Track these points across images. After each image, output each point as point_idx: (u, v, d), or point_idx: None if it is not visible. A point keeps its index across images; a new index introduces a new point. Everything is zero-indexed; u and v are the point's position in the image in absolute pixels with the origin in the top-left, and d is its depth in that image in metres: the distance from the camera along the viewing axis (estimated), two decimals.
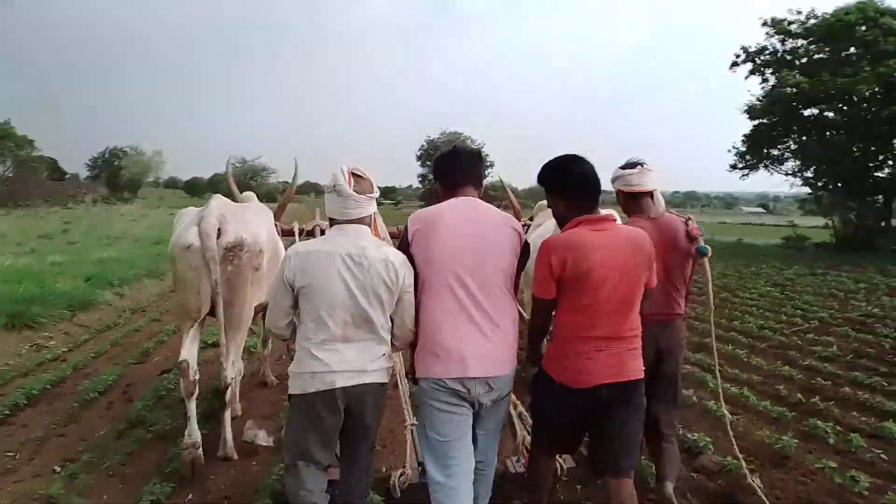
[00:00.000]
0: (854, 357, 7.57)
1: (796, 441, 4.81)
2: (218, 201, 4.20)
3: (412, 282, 2.84)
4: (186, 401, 4.06)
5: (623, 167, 3.52)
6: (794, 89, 21.53)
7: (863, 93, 20.10)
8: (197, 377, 4.10)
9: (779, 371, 6.91)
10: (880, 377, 6.56)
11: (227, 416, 4.41)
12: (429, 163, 68.01)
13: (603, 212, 2.90)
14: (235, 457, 4.42)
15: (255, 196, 5.16)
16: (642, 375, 2.86)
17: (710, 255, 3.51)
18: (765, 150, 25.69)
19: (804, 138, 23.65)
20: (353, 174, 2.82)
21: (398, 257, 2.82)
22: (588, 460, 3.31)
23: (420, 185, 73.60)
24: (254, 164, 70.79)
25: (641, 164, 3.49)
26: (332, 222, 2.90)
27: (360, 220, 2.85)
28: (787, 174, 26.33)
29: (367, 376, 2.79)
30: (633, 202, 3.52)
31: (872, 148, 22.29)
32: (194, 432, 4.06)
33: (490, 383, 2.79)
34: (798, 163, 25.46)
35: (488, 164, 69.24)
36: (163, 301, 11.28)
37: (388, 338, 2.87)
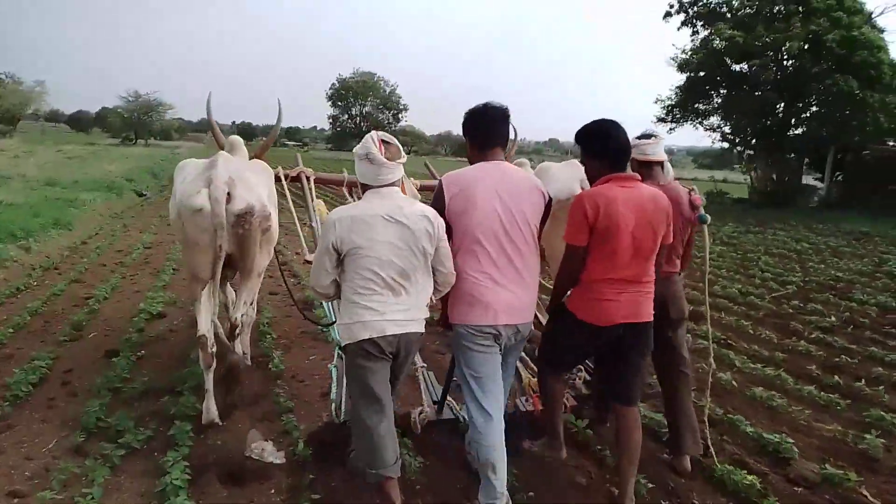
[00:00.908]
0: (855, 329, 7.27)
1: (882, 440, 4.26)
2: (224, 160, 4.08)
3: (444, 231, 3.02)
4: (205, 373, 4.09)
5: (639, 137, 3.72)
6: (727, 42, 21.41)
7: (793, 49, 20.19)
8: (215, 349, 4.13)
9: (793, 346, 6.48)
10: None
11: (236, 341, 4.52)
12: (340, 103, 66.14)
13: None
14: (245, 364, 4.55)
15: (241, 141, 4.79)
16: (652, 318, 3.22)
17: (709, 223, 3.80)
18: (691, 105, 25.74)
19: (732, 93, 23.70)
20: (383, 141, 2.98)
21: (431, 211, 3.00)
22: (601, 391, 3.98)
23: (330, 127, 71.07)
24: (149, 99, 65.53)
25: (655, 136, 3.76)
26: (365, 187, 3.03)
27: (391, 184, 2.98)
28: (710, 129, 26.73)
29: (413, 325, 2.99)
30: (645, 170, 3.66)
31: (800, 104, 22.66)
32: (212, 409, 4.06)
33: (519, 328, 3.18)
34: (721, 118, 25.79)
35: (402, 107, 67.99)
36: (78, 257, 9.72)
37: (431, 287, 3.06)
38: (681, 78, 25.91)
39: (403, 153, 3.02)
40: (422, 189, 4.90)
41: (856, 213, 19.92)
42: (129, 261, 9.37)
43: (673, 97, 26.60)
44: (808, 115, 22.43)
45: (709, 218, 3.78)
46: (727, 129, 26.34)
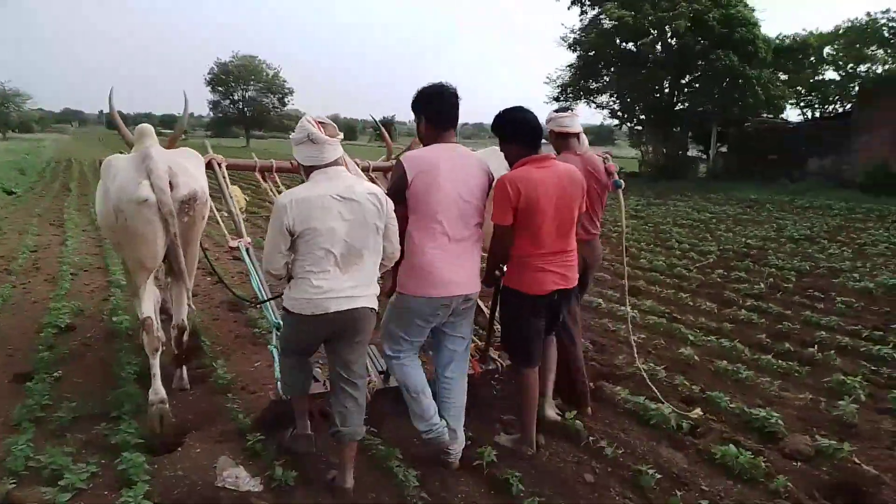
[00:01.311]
0: (783, 294, 7.52)
1: (854, 406, 4.33)
2: (157, 151, 4.04)
3: (392, 209, 3.12)
4: (151, 357, 4.02)
5: (556, 111, 4.13)
6: (617, 22, 21.97)
7: (681, 27, 20.97)
8: (160, 333, 4.20)
9: (734, 316, 6.61)
10: (842, 318, 6.54)
11: (182, 356, 4.55)
12: (220, 88, 62.74)
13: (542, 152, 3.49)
14: (189, 387, 4.57)
15: (151, 129, 4.42)
16: (577, 283, 3.64)
17: (623, 187, 4.10)
18: (583, 83, 26.32)
19: (622, 71, 24.38)
20: (318, 122, 3.05)
21: (378, 189, 3.11)
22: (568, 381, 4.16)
23: (210, 113, 67.27)
24: (3, 88, 59.53)
25: (571, 109, 4.22)
26: (309, 170, 3.07)
27: (335, 163, 3.06)
28: (600, 107, 27.48)
29: (363, 300, 3.08)
30: (563, 141, 4.05)
31: (684, 81, 23.66)
32: (160, 389, 3.93)
33: (468, 296, 3.44)
34: (612, 96, 26.55)
35: (287, 90, 65.40)
36: None
37: (379, 264, 3.17)
38: (571, 57, 26.44)
39: (339, 131, 3.11)
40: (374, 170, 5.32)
41: (742, 183, 21.13)
42: (15, 267, 8.29)
43: (565, 77, 27.13)
44: (693, 90, 23.41)
45: (623, 183, 4.11)
46: (617, 107, 27.15)
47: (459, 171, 3.31)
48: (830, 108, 27.48)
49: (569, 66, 26.84)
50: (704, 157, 27.40)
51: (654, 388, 4.47)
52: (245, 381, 4.70)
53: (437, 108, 3.38)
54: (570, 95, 26.78)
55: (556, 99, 27.02)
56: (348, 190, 2.99)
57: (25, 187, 19.58)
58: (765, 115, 24.97)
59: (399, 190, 3.25)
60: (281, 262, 3.05)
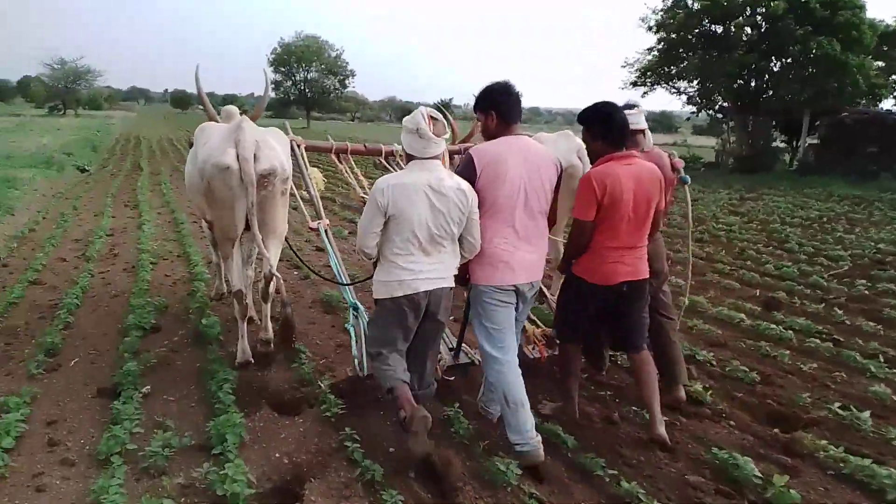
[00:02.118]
0: None
1: None
2: (248, 124, 4.19)
3: (477, 205, 3.33)
4: (240, 321, 4.42)
5: (624, 107, 3.81)
6: (710, 2, 20.54)
7: (778, 9, 19.46)
8: (250, 301, 4.54)
9: None
10: None
11: (268, 308, 4.62)
12: (283, 68, 62.72)
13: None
14: (272, 337, 4.66)
15: (237, 110, 4.94)
16: (648, 275, 3.67)
17: (690, 183, 4.18)
18: (666, 68, 24.92)
19: (707, 56, 22.91)
20: (431, 117, 3.25)
21: (467, 185, 3.29)
22: (592, 347, 4.19)
23: (273, 94, 67.20)
24: (75, 66, 60.88)
25: (637, 106, 4.15)
26: (409, 157, 3.33)
27: (435, 157, 3.29)
28: (679, 92, 26.05)
29: (444, 282, 3.38)
30: (629, 138, 3.79)
31: (778, 67, 22.05)
32: (247, 350, 4.44)
33: (533, 284, 3.59)
34: (695, 81, 25.08)
35: (349, 72, 64.97)
36: (29, 249, 8.02)
37: (459, 251, 3.42)
38: (651, 40, 25.09)
39: (448, 129, 3.34)
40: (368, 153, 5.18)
41: (836, 177, 19.62)
42: (92, 253, 7.84)
43: (644, 60, 25.78)
44: (785, 76, 21.66)
45: (689, 179, 4.19)
46: (697, 93, 25.69)
47: (527, 163, 3.40)
48: None
49: (648, 49, 25.50)
50: (789, 148, 25.78)
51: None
52: (360, 408, 3.98)
53: (504, 103, 3.50)
54: (651, 80, 25.44)
55: (635, 84, 25.76)
56: (439, 182, 3.21)
57: (98, 165, 19.52)
58: (862, 104, 23.21)
59: (468, 180, 3.35)
60: (374, 241, 3.28)
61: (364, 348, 3.89)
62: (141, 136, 32.05)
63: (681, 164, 4.16)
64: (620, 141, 3.52)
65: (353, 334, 4.14)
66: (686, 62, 23.93)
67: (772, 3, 19.57)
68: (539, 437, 3.36)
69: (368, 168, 6.57)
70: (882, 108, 24.10)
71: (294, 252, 5.41)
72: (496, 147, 3.43)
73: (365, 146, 5.15)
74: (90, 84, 63.89)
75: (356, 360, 4.03)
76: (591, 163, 3.66)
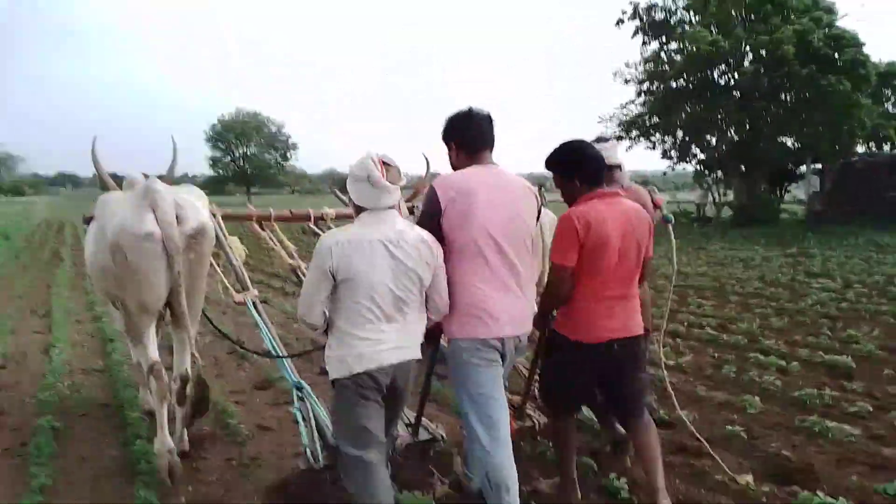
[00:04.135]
0: None
1: None
2: (161, 185, 3.71)
3: (443, 258, 2.88)
4: (158, 406, 3.76)
5: (596, 141, 3.62)
6: (711, 48, 18.79)
7: (788, 54, 17.79)
8: (169, 380, 3.89)
9: None
10: None
11: (182, 412, 3.98)
12: (221, 144, 59.71)
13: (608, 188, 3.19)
14: (188, 448, 4.01)
15: (140, 175, 4.12)
16: (643, 331, 3.22)
17: (673, 222, 3.75)
18: (660, 120, 23.09)
19: (703, 104, 21.17)
20: (383, 163, 2.84)
21: (430, 236, 2.86)
22: (610, 412, 3.71)
23: (211, 171, 63.72)
24: None
25: (610, 139, 3.94)
26: (359, 209, 2.88)
27: (390, 207, 2.86)
28: (655, 147, 24.26)
29: (409, 352, 2.87)
30: (606, 174, 3.42)
31: (784, 112, 20.28)
32: (167, 440, 3.73)
33: (521, 338, 3.06)
34: (680, 133, 23.38)
35: (290, 145, 62.27)
36: None
37: (425, 314, 2.94)
38: (628, 93, 23.47)
39: (402, 176, 2.89)
40: (338, 217, 4.71)
41: (862, 226, 17.79)
42: None
43: (626, 114, 24.06)
44: (796, 120, 19.88)
45: (672, 218, 3.78)
46: (677, 146, 23.97)
47: (501, 193, 2.95)
48: None
49: (632, 101, 23.80)
50: (775, 198, 24.17)
51: None
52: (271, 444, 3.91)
53: (466, 129, 3.05)
54: (637, 134, 23.62)
55: (620, 138, 23.83)
56: (398, 235, 2.78)
57: (8, 257, 15.96)
58: (863, 148, 21.81)
59: (431, 217, 2.92)
60: (320, 310, 2.79)
61: (315, 434, 3.27)
62: (65, 222, 28.21)
63: (663, 201, 3.84)
64: (598, 176, 3.14)
65: (300, 419, 3.39)
66: (679, 112, 22.06)
67: (782, 47, 17.79)
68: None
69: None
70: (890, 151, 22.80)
71: (215, 326, 4.56)
72: (461, 176, 2.97)
73: (290, 212, 4.77)
74: (11, 170, 59.50)
75: (307, 450, 3.24)
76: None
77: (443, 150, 3.21)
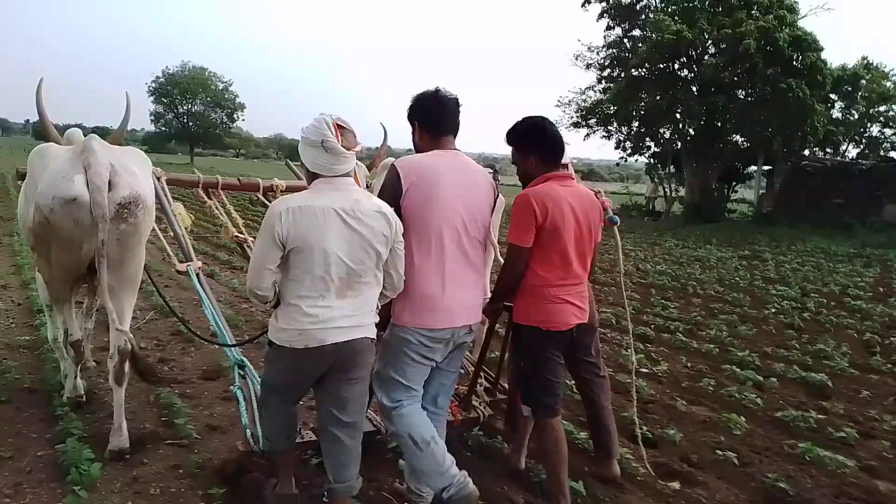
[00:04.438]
0: None
1: None
2: (100, 144, 3.50)
3: (402, 232, 2.76)
4: (73, 367, 3.93)
5: None
6: (675, 37, 18.66)
7: (749, 48, 17.79)
8: (88, 353, 4.09)
9: None
10: None
11: (122, 394, 3.58)
12: (164, 99, 56.94)
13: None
14: (128, 448, 3.51)
15: (80, 133, 4.00)
16: (594, 322, 3.47)
17: (619, 223, 3.53)
18: (607, 108, 22.99)
19: (664, 95, 21.08)
20: (338, 125, 2.66)
21: (388, 208, 2.73)
22: (513, 401, 3.51)
23: (153, 126, 60.80)
24: None
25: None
26: (312, 176, 2.72)
27: (345, 174, 2.70)
28: (610, 136, 24.24)
29: (360, 331, 2.72)
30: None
31: (733, 107, 20.37)
32: (80, 386, 3.96)
33: (472, 328, 3.01)
34: (636, 124, 23.36)
35: (238, 105, 59.89)
36: None
37: (379, 290, 2.79)
38: (585, 77, 23.31)
39: (359, 141, 2.72)
40: (288, 189, 4.45)
41: (808, 228, 18.15)
42: None
43: (583, 99, 23.88)
44: (753, 118, 19.96)
45: (618, 219, 3.51)
46: (633, 136, 23.99)
47: (462, 180, 2.91)
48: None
49: (591, 87, 23.60)
50: (737, 195, 24.56)
51: None
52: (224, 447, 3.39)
53: (430, 111, 2.99)
54: (594, 121, 23.47)
55: (577, 125, 23.70)
56: (354, 205, 2.63)
57: None
58: (817, 151, 22.23)
59: (392, 200, 2.79)
60: (269, 281, 2.63)
61: (256, 415, 3.11)
62: None
63: (609, 202, 3.48)
64: (556, 157, 3.09)
65: (240, 399, 3.25)
66: (638, 102, 21.93)
67: (745, 41, 17.78)
68: (465, 473, 2.86)
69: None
70: (847, 157, 23.31)
71: (164, 299, 4.53)
72: (426, 160, 2.89)
73: (239, 180, 4.60)
74: None
75: (247, 432, 3.11)
76: (524, 187, 3.11)
77: (402, 122, 3.11)
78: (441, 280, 2.83)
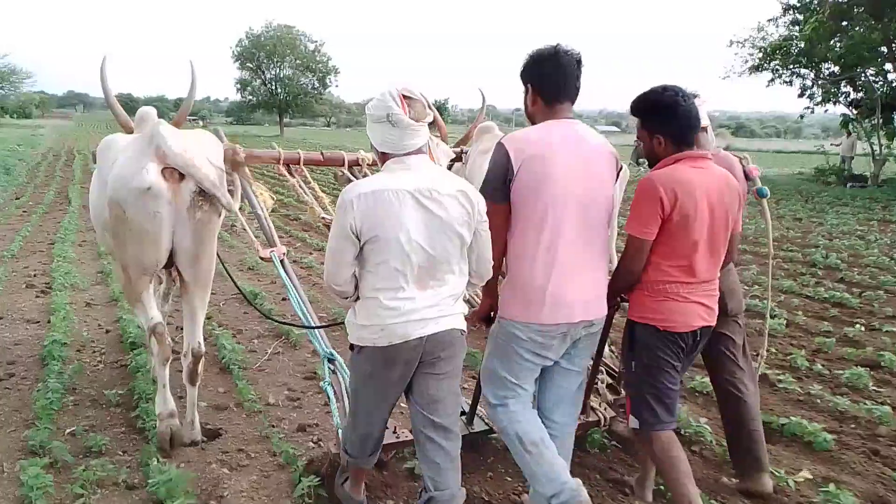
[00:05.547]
0: None
1: None
2: (170, 130, 3.32)
3: (486, 211, 2.45)
4: (160, 368, 3.55)
5: None
6: None
7: None
8: (171, 342, 3.70)
9: None
10: None
11: (195, 392, 3.62)
12: (249, 64, 54.57)
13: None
14: (202, 439, 3.57)
15: (154, 112, 3.67)
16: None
17: (768, 196, 3.29)
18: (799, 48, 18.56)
19: (873, 29, 16.54)
20: (404, 96, 2.34)
21: (468, 186, 2.45)
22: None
23: (238, 95, 58.84)
24: None
25: (697, 96, 3.16)
26: (384, 157, 2.42)
27: (418, 151, 2.39)
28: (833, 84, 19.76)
29: (446, 321, 2.42)
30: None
31: None
32: (169, 401, 3.56)
33: (594, 322, 2.66)
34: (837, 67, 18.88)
35: (331, 69, 57.03)
36: None
37: (466, 278, 2.52)
38: (771, 8, 18.93)
39: (429, 111, 2.41)
40: (375, 164, 3.57)
41: None
42: None
43: (768, 36, 19.51)
44: None
45: (768, 191, 3.25)
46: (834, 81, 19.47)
47: (581, 156, 2.52)
48: None
49: (773, 19, 19.23)
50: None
51: None
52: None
53: (547, 74, 2.54)
54: (780, 64, 19.12)
55: (757, 69, 19.40)
56: (431, 185, 2.32)
57: (9, 196, 12.48)
58: None
59: (500, 183, 2.49)
60: (348, 274, 2.40)
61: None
62: (76, 151, 24.30)
63: (757, 171, 3.20)
64: (688, 136, 2.64)
65: (331, 396, 3.09)
66: (847, 35, 17.41)
67: None
68: (578, 481, 2.55)
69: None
70: None
71: (238, 287, 4.35)
72: (538, 134, 2.52)
73: (322, 154, 4.15)
74: (16, 88, 54.26)
75: (340, 432, 2.91)
76: (650, 167, 2.72)
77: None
78: (552, 270, 2.47)
